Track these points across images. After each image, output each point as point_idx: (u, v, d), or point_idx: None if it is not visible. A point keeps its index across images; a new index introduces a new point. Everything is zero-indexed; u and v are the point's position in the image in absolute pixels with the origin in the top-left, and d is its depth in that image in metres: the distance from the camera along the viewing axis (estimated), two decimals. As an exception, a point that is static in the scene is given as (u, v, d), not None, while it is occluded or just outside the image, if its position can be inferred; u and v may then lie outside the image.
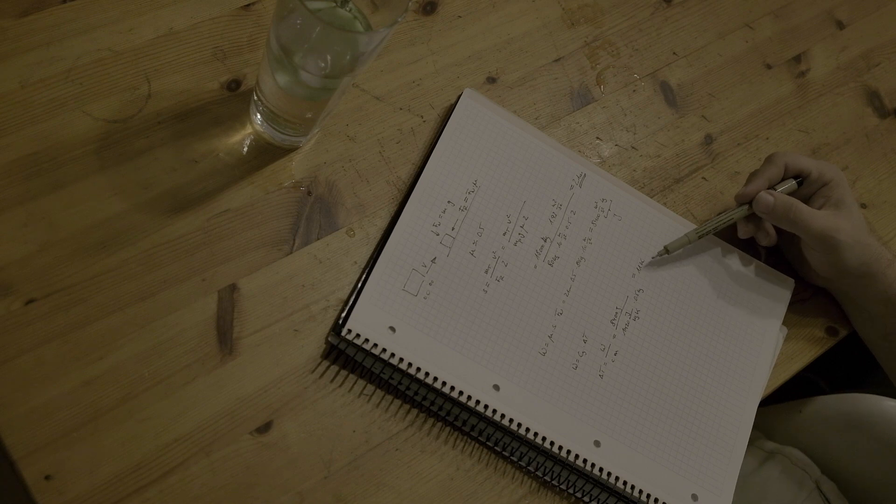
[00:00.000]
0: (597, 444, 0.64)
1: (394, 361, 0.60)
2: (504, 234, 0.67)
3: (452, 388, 0.61)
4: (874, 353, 0.75)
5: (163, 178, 0.61)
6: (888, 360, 0.74)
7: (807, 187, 0.72)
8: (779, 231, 0.73)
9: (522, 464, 0.63)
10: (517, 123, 0.71)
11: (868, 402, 0.75)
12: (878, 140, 0.87)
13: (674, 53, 0.81)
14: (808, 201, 0.72)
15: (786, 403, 0.82)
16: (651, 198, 0.74)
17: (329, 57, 0.55)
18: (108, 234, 0.58)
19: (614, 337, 0.67)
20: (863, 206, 0.82)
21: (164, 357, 0.57)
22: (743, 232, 0.72)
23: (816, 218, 0.68)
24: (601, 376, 0.66)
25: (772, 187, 0.71)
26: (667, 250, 0.70)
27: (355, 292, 0.62)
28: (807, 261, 0.73)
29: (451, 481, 0.61)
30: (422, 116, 0.70)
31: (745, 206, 0.72)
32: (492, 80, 0.73)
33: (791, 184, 0.72)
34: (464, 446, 0.62)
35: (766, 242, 0.72)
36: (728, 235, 0.75)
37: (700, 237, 0.71)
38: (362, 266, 0.64)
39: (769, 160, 0.72)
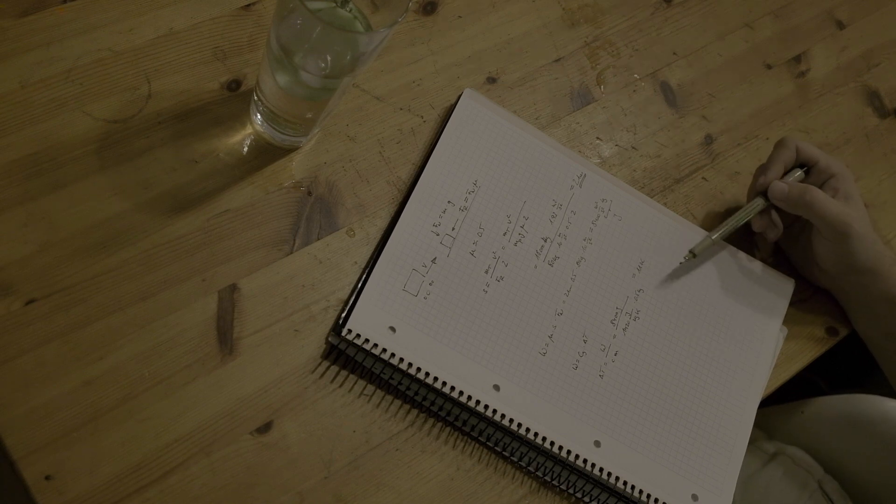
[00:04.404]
0: (597, 444, 0.64)
1: (394, 361, 0.60)
2: (504, 234, 0.67)
3: (452, 388, 0.61)
4: (874, 354, 0.75)
5: (163, 178, 0.61)
6: (889, 361, 0.73)
7: (813, 177, 0.72)
8: (783, 227, 0.73)
9: (522, 464, 0.63)
10: (517, 123, 0.71)
11: (870, 402, 0.75)
12: (878, 140, 0.87)
13: (674, 53, 0.81)
14: None
15: (787, 404, 0.82)
16: (651, 198, 0.74)
17: (329, 57, 0.55)
18: (108, 234, 0.58)
19: (614, 337, 0.67)
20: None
21: (164, 357, 0.57)
22: (759, 226, 0.72)
23: (832, 204, 0.68)
24: (601, 376, 0.66)
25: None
26: (693, 254, 0.70)
27: (355, 292, 0.62)
28: (811, 257, 0.72)
29: (451, 481, 0.61)
30: (422, 116, 0.70)
31: (761, 200, 0.72)
32: (492, 80, 0.73)
33: (798, 173, 0.72)
34: (464, 446, 0.62)
35: (773, 235, 0.72)
36: (728, 236, 0.74)
37: (722, 238, 0.71)
38: (362, 266, 0.64)
39: (781, 144, 0.73)
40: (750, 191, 0.74)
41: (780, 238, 0.74)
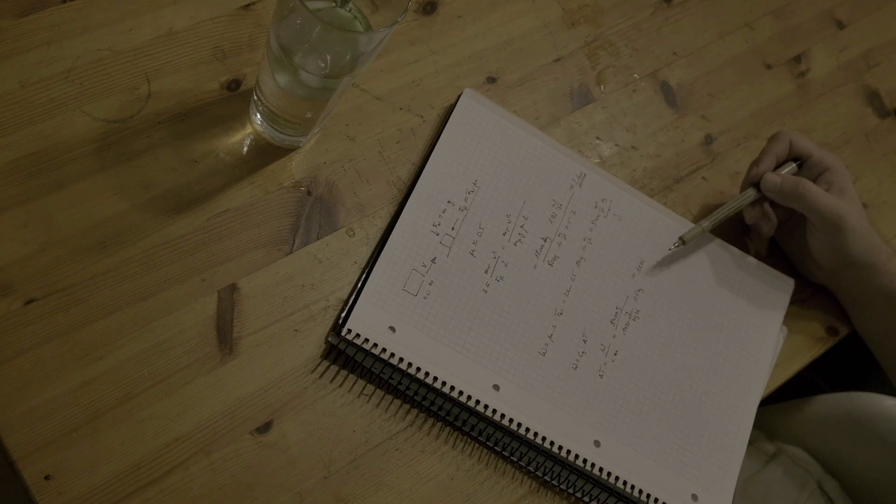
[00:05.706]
0: (597, 444, 0.64)
1: (394, 361, 0.60)
2: (504, 234, 0.67)
3: (452, 388, 0.61)
4: (873, 351, 0.75)
5: (163, 178, 0.61)
6: (888, 357, 0.73)
7: (807, 171, 0.72)
8: (778, 222, 0.73)
9: (522, 464, 0.63)
10: (517, 123, 0.71)
11: (868, 400, 0.75)
12: (878, 140, 0.87)
13: (674, 53, 0.81)
14: None
15: (786, 403, 0.82)
16: (651, 198, 0.74)
17: (329, 57, 0.55)
18: (108, 234, 0.58)
19: (614, 337, 0.67)
20: (863, 205, 0.82)
21: (164, 357, 0.57)
22: (750, 217, 0.72)
23: (825, 196, 0.68)
24: (601, 376, 0.66)
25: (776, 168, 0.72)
26: (683, 241, 0.70)
27: (355, 292, 0.62)
28: (808, 252, 0.72)
29: (451, 481, 0.61)
30: (422, 116, 0.70)
31: (753, 191, 0.72)
32: (492, 80, 0.73)
33: (791, 167, 0.72)
34: (464, 446, 0.62)
35: (767, 229, 0.72)
36: (728, 235, 0.75)
37: (713, 226, 0.71)
38: (362, 266, 0.64)
39: (774, 137, 0.73)
40: (743, 184, 0.74)
41: (776, 234, 0.74)
